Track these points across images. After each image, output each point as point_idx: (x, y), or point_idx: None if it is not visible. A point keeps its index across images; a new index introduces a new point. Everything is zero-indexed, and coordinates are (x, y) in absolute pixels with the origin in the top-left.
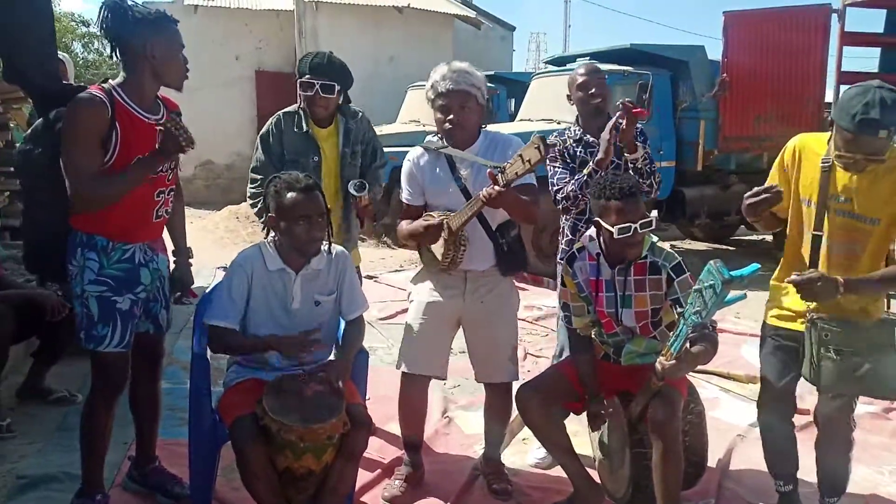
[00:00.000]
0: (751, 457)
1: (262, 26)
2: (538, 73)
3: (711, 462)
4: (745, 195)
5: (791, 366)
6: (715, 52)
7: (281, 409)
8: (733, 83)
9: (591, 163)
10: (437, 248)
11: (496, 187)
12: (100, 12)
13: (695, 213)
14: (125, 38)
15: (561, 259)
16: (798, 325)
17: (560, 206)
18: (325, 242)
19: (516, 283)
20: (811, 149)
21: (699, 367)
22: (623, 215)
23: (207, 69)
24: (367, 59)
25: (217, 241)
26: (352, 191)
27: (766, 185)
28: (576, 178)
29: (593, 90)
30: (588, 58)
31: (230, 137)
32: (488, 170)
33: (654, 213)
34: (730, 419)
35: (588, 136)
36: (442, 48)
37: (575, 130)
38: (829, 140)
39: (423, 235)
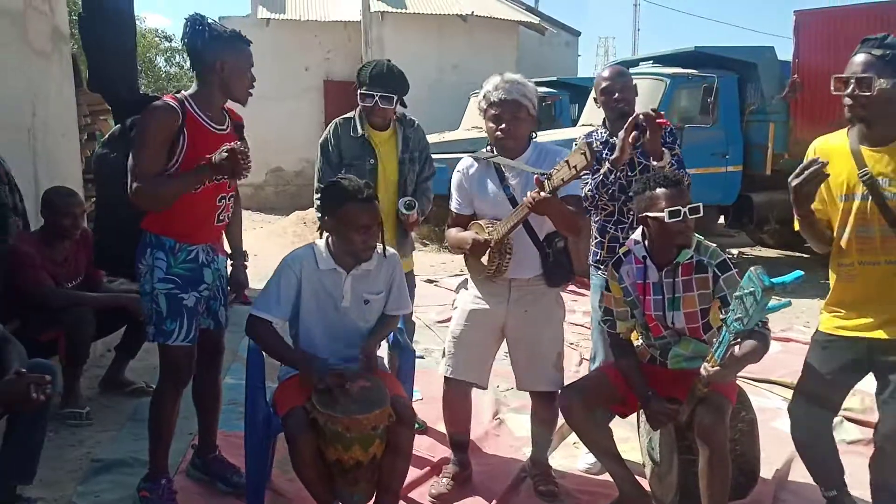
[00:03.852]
0: None
1: (331, 37)
2: None
3: (769, 473)
4: (789, 179)
5: (845, 373)
6: (786, 52)
7: (328, 402)
8: (805, 84)
9: (606, 162)
10: (483, 256)
11: (542, 192)
12: (184, 27)
13: (763, 219)
14: (200, 52)
15: (592, 262)
16: (860, 332)
17: None
18: (378, 245)
19: (575, 289)
20: (828, 148)
21: (762, 377)
22: (672, 201)
23: (279, 80)
24: (432, 66)
25: (286, 246)
26: (401, 209)
27: (806, 161)
28: (592, 178)
29: (617, 94)
30: (652, 61)
31: (299, 145)
32: (535, 177)
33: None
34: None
35: (614, 138)
36: (506, 55)
37: (601, 132)
38: (847, 132)
39: (469, 248)
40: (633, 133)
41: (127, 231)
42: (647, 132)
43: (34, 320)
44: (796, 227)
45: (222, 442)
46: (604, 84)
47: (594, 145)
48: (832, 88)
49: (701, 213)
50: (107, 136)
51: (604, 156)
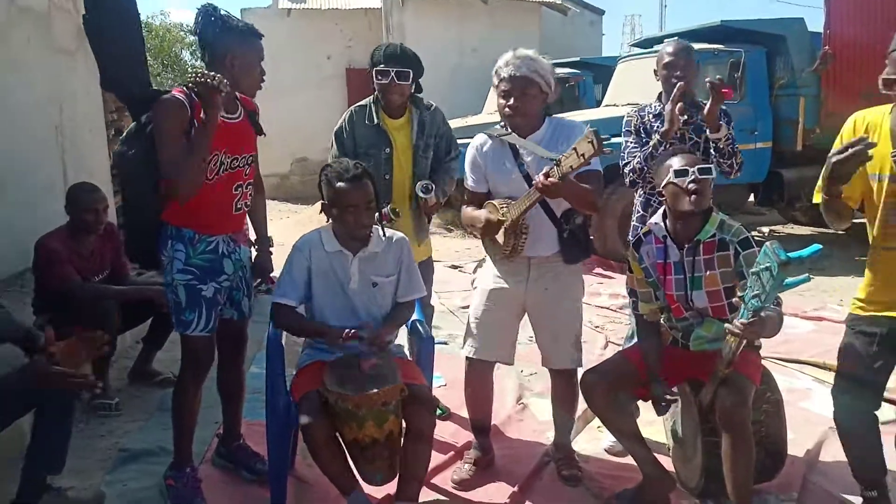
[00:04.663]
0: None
1: (352, 25)
2: (624, 57)
3: (799, 454)
4: (829, 156)
5: (880, 351)
6: (816, 23)
7: (339, 382)
8: (837, 56)
9: (656, 133)
10: (499, 237)
11: (550, 179)
12: (196, 17)
13: (794, 196)
14: (211, 44)
15: (631, 239)
16: (885, 311)
17: (627, 181)
18: (378, 228)
19: (601, 272)
20: (874, 122)
21: (793, 357)
22: (681, 162)
23: (301, 70)
24: (453, 51)
25: None
26: (419, 192)
27: (855, 138)
28: (641, 150)
29: (679, 71)
30: (677, 38)
31: (324, 134)
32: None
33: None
34: (822, 411)
35: None
36: (528, 37)
37: (655, 106)
38: (892, 110)
39: (482, 228)
40: (680, 104)
41: (149, 224)
42: (710, 101)
43: (58, 316)
44: (816, 199)
45: (247, 431)
46: (667, 59)
47: (645, 118)
48: (881, 87)
49: (713, 175)
50: (124, 133)
51: (655, 128)
